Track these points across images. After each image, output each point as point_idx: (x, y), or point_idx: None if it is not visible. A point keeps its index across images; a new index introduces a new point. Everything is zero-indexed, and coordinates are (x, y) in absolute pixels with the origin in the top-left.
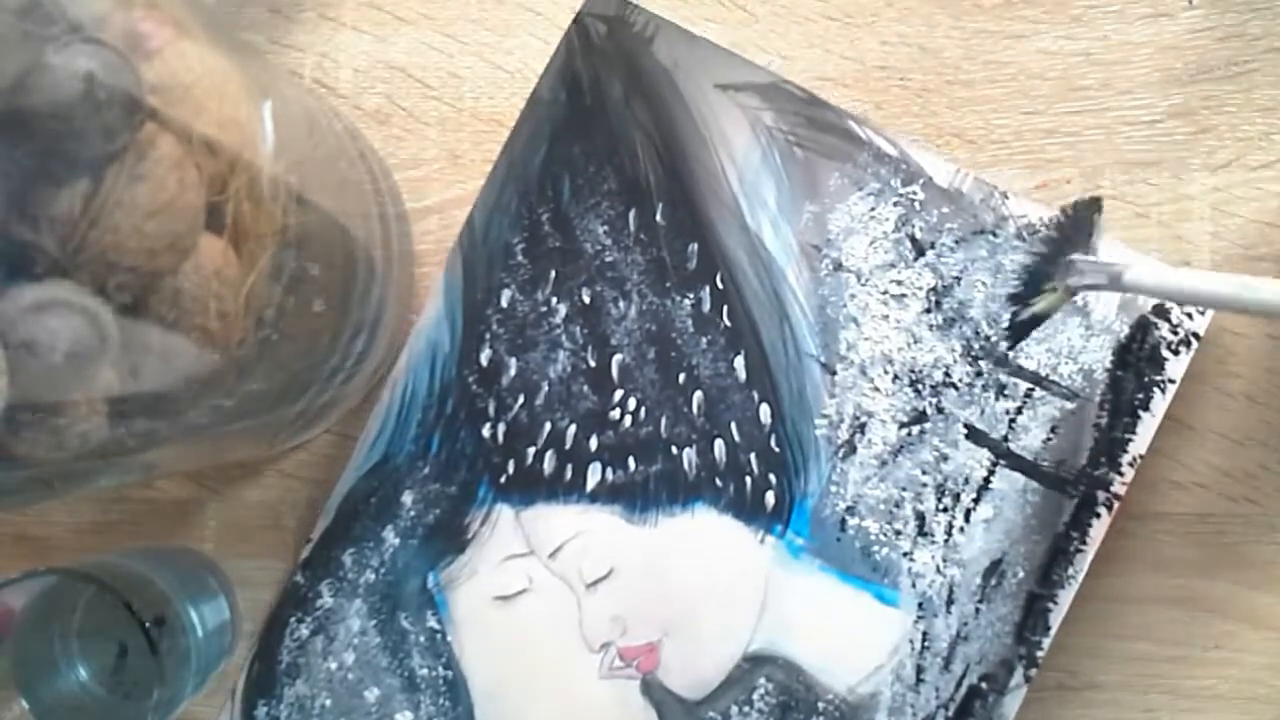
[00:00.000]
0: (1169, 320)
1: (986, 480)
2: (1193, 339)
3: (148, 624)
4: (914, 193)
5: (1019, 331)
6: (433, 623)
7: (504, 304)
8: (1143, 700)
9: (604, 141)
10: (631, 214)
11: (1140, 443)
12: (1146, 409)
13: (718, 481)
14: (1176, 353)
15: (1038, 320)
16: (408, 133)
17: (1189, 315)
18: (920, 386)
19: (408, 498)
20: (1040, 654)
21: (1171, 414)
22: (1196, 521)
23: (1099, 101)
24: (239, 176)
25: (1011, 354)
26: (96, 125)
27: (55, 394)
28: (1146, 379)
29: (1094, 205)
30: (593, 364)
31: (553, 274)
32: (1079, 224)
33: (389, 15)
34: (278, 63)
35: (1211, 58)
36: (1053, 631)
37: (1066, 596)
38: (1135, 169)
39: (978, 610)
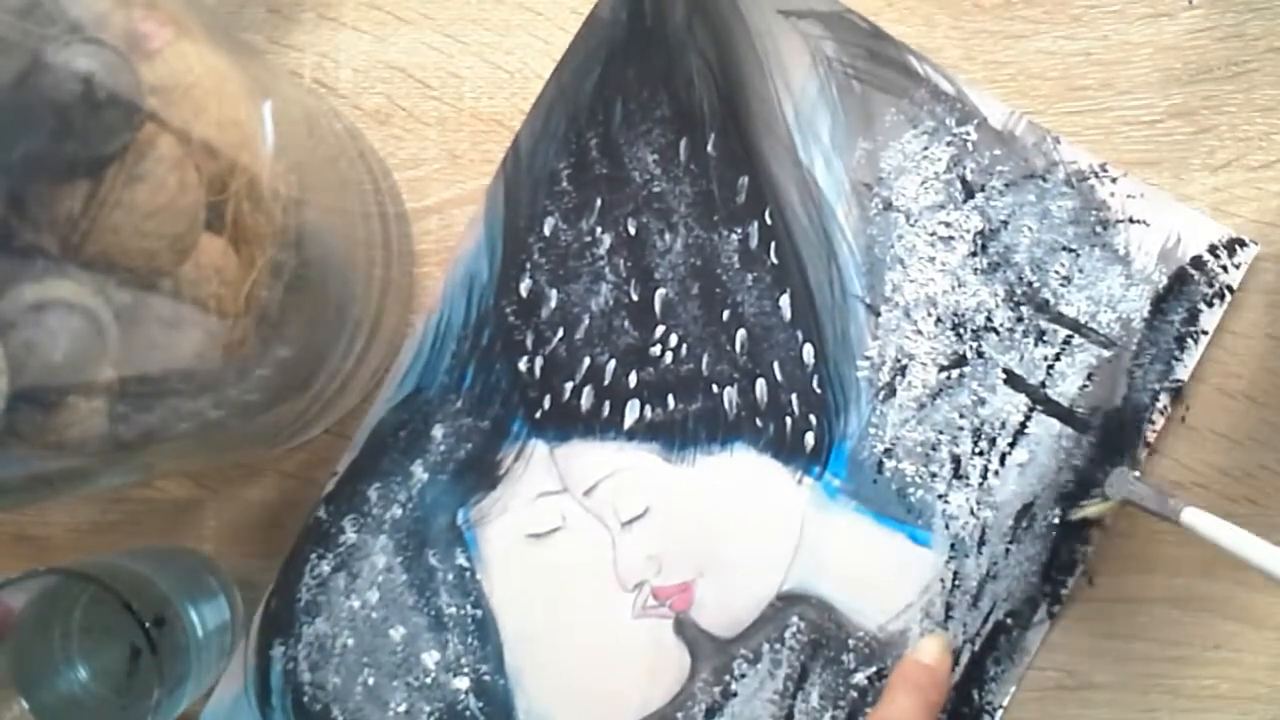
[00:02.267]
0: (1205, 272)
1: (1023, 425)
2: (1227, 291)
3: (148, 624)
4: (968, 133)
5: (1069, 531)
6: (462, 560)
7: (547, 233)
8: (1143, 700)
9: (661, 64)
10: (683, 143)
11: (1173, 393)
12: (1180, 360)
13: (758, 421)
14: (1211, 305)
15: (1089, 523)
16: (408, 133)
17: (1224, 269)
18: (962, 330)
19: (438, 431)
20: (1064, 592)
21: (1173, 413)
22: None
23: (1099, 101)
24: (239, 177)
25: (1052, 299)
26: (96, 125)
27: (55, 393)
28: (1181, 330)
29: (1143, 413)
30: (635, 298)
31: (598, 202)
32: (1126, 425)
33: (389, 15)
34: (278, 63)
35: (1211, 58)
36: (1078, 571)
37: (1095, 537)
38: (1135, 169)
39: (1008, 550)
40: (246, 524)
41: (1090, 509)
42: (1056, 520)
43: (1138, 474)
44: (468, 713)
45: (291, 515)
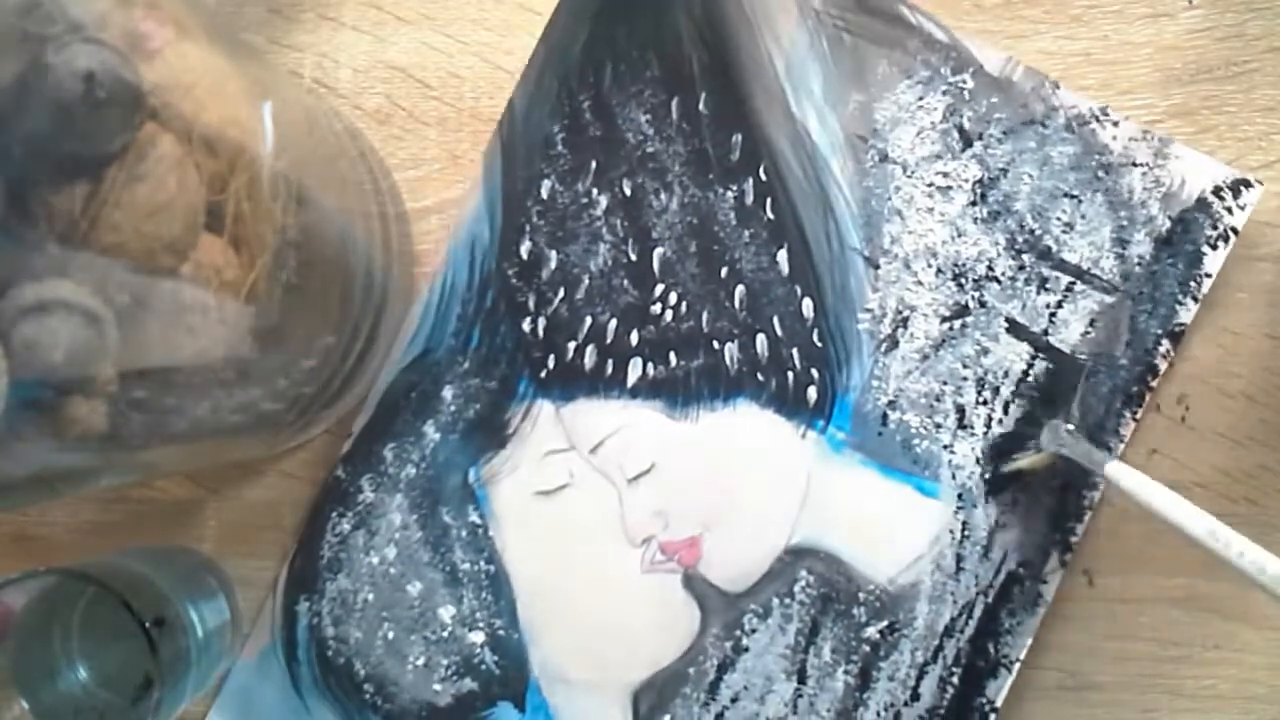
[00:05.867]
0: (1210, 214)
1: (1026, 373)
2: (1232, 233)
3: (148, 624)
4: (963, 81)
5: (1000, 482)
6: (474, 517)
7: (544, 195)
8: (1143, 700)
9: (649, 24)
10: (674, 102)
11: (1176, 337)
12: (1183, 304)
13: (759, 376)
14: (1215, 247)
15: (1020, 475)
16: (408, 133)
17: (1229, 210)
18: (963, 280)
19: (448, 392)
20: (1075, 539)
21: (1172, 413)
22: None
23: (1099, 101)
24: (239, 176)
25: (1054, 246)
26: (97, 125)
27: (55, 393)
28: (1185, 273)
29: (1079, 368)
30: (634, 257)
31: (593, 164)
32: (1064, 384)
33: (389, 15)
34: (278, 63)
35: (1211, 58)
36: (1087, 518)
37: (1102, 483)
38: None
39: (1016, 500)
40: (246, 524)
41: (1022, 461)
42: (988, 474)
43: (1070, 427)
44: (483, 666)
45: (292, 515)
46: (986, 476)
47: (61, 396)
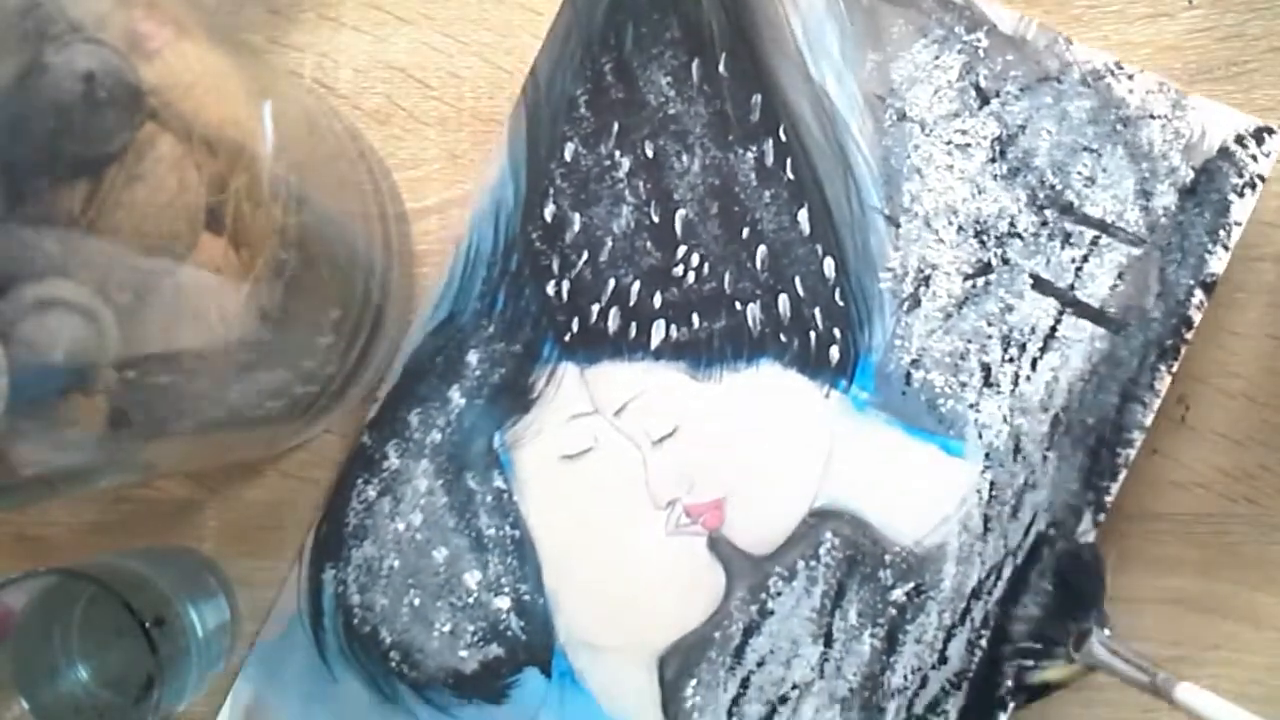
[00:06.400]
0: (1234, 163)
1: (1053, 329)
2: (1258, 180)
3: (148, 624)
4: (978, 40)
5: (1027, 694)
6: (499, 482)
7: (567, 158)
8: (1143, 700)
9: None
10: (694, 64)
11: (1209, 288)
12: (1213, 253)
13: (782, 337)
14: (1242, 195)
15: (1049, 688)
16: (408, 133)
17: (1253, 158)
18: (985, 237)
19: (473, 357)
20: (1108, 499)
21: (1172, 413)
22: (1196, 521)
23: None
24: (239, 176)
25: (1076, 201)
26: (96, 125)
27: (55, 393)
28: (1212, 222)
29: (1100, 558)
30: (656, 219)
31: (616, 127)
32: (1090, 576)
33: (389, 15)
34: (278, 63)
35: (1211, 58)
36: (1121, 477)
37: (1136, 440)
38: None
39: (1045, 458)
40: (246, 524)
41: (1051, 672)
42: (1010, 685)
43: (1108, 632)
44: (509, 632)
45: (291, 515)
46: (1009, 686)
47: (62, 395)
